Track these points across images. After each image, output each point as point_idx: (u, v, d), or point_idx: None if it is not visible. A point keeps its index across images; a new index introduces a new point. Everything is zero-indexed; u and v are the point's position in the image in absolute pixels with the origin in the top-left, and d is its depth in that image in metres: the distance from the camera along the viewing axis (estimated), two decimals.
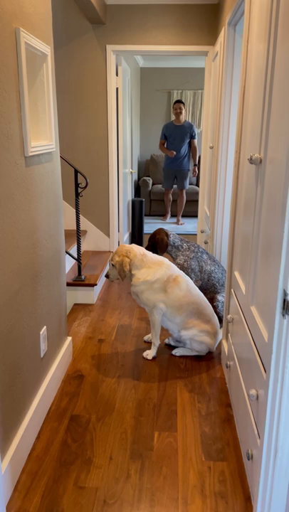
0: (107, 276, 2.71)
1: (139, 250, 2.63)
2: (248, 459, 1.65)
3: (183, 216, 6.81)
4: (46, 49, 1.99)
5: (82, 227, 4.37)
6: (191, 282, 2.69)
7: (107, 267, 4.20)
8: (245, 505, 1.66)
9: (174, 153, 6.17)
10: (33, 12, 1.84)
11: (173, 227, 6.40)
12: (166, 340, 2.90)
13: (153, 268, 2.58)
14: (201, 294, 2.71)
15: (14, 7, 1.63)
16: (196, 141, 6.25)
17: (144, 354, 2.72)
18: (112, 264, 2.65)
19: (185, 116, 6.42)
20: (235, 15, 2.72)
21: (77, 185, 3.38)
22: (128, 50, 3.96)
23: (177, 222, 6.59)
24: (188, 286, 2.63)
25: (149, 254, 2.65)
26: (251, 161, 1.69)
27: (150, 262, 2.60)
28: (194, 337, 2.64)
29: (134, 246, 2.65)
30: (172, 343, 2.86)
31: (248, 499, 1.69)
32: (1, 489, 1.59)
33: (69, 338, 2.64)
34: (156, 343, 2.71)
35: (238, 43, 2.95)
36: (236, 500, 1.68)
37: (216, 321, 2.71)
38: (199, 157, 6.55)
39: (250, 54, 1.97)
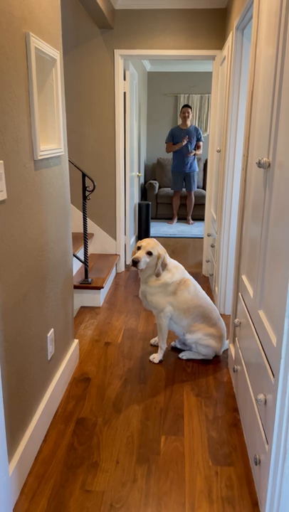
0: (135, 262, 2.47)
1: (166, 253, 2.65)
2: (256, 464, 1.63)
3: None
4: (55, 54, 2.00)
5: (89, 230, 4.38)
6: (198, 286, 2.69)
7: (111, 273, 4.20)
8: (252, 511, 1.64)
9: (186, 139, 6.19)
10: (42, 17, 1.85)
11: (182, 228, 6.46)
12: (173, 343, 2.89)
13: (172, 271, 2.62)
14: (208, 298, 2.71)
15: (24, 12, 1.65)
16: (201, 143, 6.35)
17: (151, 357, 2.71)
18: (149, 253, 2.50)
19: (191, 121, 6.52)
20: (243, 19, 2.72)
21: (84, 188, 3.39)
22: (136, 55, 3.98)
23: (188, 222, 6.75)
24: (196, 290, 2.65)
25: (170, 259, 2.68)
26: (259, 164, 1.69)
27: (170, 265, 2.64)
28: (199, 340, 2.63)
29: (156, 244, 2.61)
30: (179, 346, 2.86)
31: (255, 505, 1.67)
32: (8, 492, 1.59)
33: (76, 341, 2.64)
34: (163, 346, 2.70)
35: (246, 47, 2.95)
36: (243, 506, 1.67)
37: (221, 324, 2.70)
38: (206, 161, 6.56)
39: (259, 58, 1.97)
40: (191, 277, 2.70)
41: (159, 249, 2.56)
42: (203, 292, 2.72)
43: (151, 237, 5.76)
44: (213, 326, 2.66)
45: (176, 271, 2.64)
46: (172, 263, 2.67)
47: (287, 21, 1.43)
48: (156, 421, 2.15)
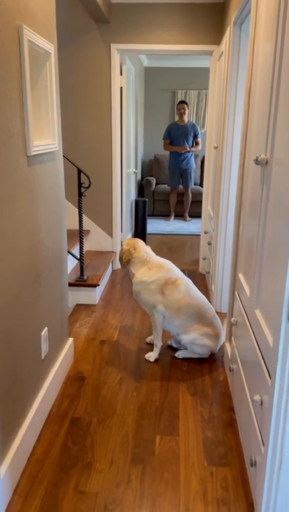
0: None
1: (144, 250, 2.68)
2: (251, 466, 1.62)
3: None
4: (50, 47, 1.96)
5: (85, 227, 4.34)
6: (191, 284, 2.67)
7: (107, 270, 4.18)
8: None
9: (186, 147, 6.19)
10: (36, 9, 1.81)
11: (179, 225, 6.44)
12: (169, 342, 2.87)
13: (153, 270, 2.60)
14: (203, 297, 2.68)
15: (18, 4, 1.61)
16: (199, 139, 6.31)
17: (147, 356, 2.69)
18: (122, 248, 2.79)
19: (188, 117, 6.47)
20: (241, 14, 2.68)
21: (80, 184, 3.35)
22: (133, 49, 3.93)
23: (185, 219, 6.73)
24: (187, 289, 2.62)
25: (154, 256, 2.69)
26: (257, 161, 1.66)
27: (151, 264, 2.62)
28: (194, 341, 2.61)
29: (143, 245, 2.71)
30: (175, 345, 2.84)
31: (250, 506, 1.66)
32: (1, 493, 1.57)
33: (70, 340, 2.61)
34: (158, 344, 2.68)
35: (243, 42, 2.91)
36: (239, 507, 1.65)
37: (218, 323, 2.68)
38: (203, 158, 6.53)
39: (257, 53, 1.94)
40: (182, 276, 2.66)
41: (125, 246, 2.70)
42: (197, 291, 2.69)
43: (148, 234, 5.73)
44: (209, 325, 2.63)
45: (157, 270, 2.60)
46: (155, 262, 2.64)
47: (286, 16, 1.40)
48: (152, 420, 2.13)
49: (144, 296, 2.61)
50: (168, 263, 2.67)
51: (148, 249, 2.73)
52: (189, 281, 2.68)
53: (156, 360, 2.67)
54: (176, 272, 2.66)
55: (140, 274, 2.61)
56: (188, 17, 3.81)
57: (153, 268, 2.61)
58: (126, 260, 2.67)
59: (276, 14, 1.52)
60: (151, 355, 2.68)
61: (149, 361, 2.66)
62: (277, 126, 1.48)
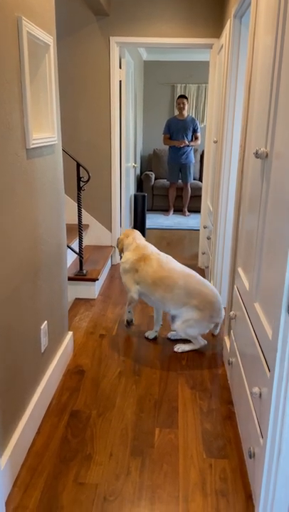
0: None
1: (134, 237, 2.88)
2: (250, 458, 1.63)
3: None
4: (49, 39, 1.95)
5: (84, 222, 4.33)
6: (166, 259, 2.73)
7: (106, 264, 4.17)
8: (246, 504, 1.64)
9: (185, 141, 6.18)
10: (35, 1, 1.80)
11: (178, 220, 6.44)
12: (169, 335, 2.88)
13: (130, 252, 2.80)
14: (183, 268, 2.70)
15: None
16: (199, 134, 6.29)
17: (146, 334, 2.87)
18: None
19: (188, 111, 6.45)
20: (241, 6, 2.67)
21: (79, 178, 3.34)
22: (132, 42, 3.91)
23: (184, 214, 6.73)
24: (159, 263, 2.69)
25: (138, 241, 2.85)
26: (257, 155, 1.66)
27: (132, 247, 2.82)
28: (182, 316, 2.63)
29: (137, 235, 2.91)
30: (173, 338, 2.85)
31: (249, 497, 1.67)
32: (1, 485, 1.58)
33: (70, 333, 2.62)
34: (125, 316, 2.98)
35: (243, 35, 2.89)
36: (237, 499, 1.66)
37: (207, 289, 2.65)
38: (202, 152, 6.52)
39: (257, 46, 1.93)
40: (154, 252, 2.77)
41: (122, 236, 2.93)
42: (177, 264, 2.73)
43: (148, 229, 5.73)
44: (194, 295, 2.61)
45: (132, 251, 2.79)
46: (135, 246, 2.80)
47: (287, 9, 1.39)
48: (151, 413, 2.14)
49: (124, 278, 2.80)
50: (144, 243, 2.83)
51: (138, 236, 2.90)
52: (165, 255, 2.77)
53: (128, 322, 2.99)
54: (151, 250, 2.79)
55: (122, 259, 2.82)
56: (187, 10, 3.78)
57: (132, 251, 2.79)
58: (120, 249, 2.93)
59: (277, 7, 1.51)
60: (147, 334, 2.87)
61: (149, 338, 2.84)
62: (277, 119, 1.48)
